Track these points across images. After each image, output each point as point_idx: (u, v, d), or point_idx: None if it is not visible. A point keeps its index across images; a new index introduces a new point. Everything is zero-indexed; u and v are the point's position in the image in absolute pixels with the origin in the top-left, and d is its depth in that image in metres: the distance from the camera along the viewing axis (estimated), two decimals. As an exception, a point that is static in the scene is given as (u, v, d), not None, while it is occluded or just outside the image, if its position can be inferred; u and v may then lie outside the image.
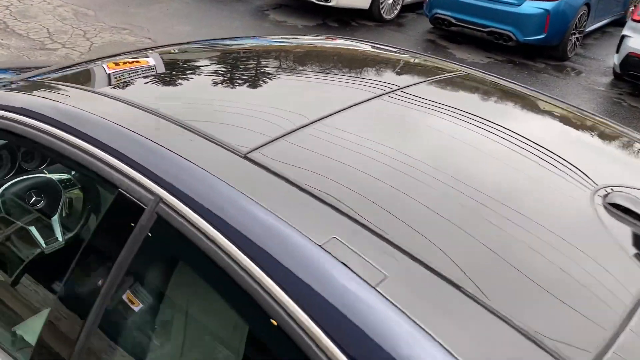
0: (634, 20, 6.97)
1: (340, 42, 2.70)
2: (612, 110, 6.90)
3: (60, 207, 2.41)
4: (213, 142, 1.36)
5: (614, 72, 7.68)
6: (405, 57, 2.37)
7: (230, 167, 1.30)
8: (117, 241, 1.29)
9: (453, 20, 8.18)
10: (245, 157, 1.33)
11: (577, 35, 8.34)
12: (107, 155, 1.34)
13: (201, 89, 1.76)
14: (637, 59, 6.89)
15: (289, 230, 1.14)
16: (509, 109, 1.94)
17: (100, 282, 1.28)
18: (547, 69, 8.03)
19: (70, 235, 2.46)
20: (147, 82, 1.82)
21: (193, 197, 1.23)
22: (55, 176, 2.43)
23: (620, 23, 10.40)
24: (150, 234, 1.25)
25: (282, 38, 2.77)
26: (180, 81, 1.85)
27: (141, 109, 1.48)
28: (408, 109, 1.68)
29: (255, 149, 1.36)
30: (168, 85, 1.81)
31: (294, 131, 1.45)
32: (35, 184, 2.35)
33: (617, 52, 7.23)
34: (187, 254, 1.30)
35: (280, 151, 1.38)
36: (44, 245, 2.36)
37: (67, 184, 2.46)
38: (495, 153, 1.53)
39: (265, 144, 1.39)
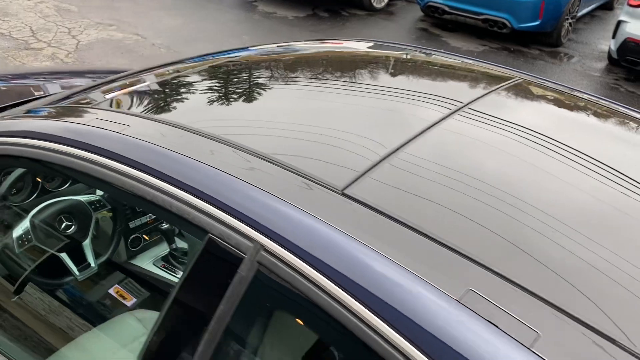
0: (631, 6, 6.93)
1: (349, 44, 2.58)
2: (610, 96, 6.89)
3: (91, 230, 2.27)
4: (307, 179, 1.24)
5: (609, 58, 7.67)
6: (451, 61, 2.26)
7: (331, 206, 1.18)
8: (213, 293, 1.16)
9: (447, 9, 8.08)
10: (343, 194, 1.21)
11: (570, 21, 8.31)
12: (195, 198, 1.21)
13: (267, 113, 1.62)
14: (635, 44, 6.88)
15: (416, 281, 1.03)
16: (590, 123, 1.84)
17: (196, 342, 1.16)
18: (542, 55, 7.99)
19: (102, 259, 2.33)
20: (210, 108, 1.67)
21: (298, 243, 1.11)
22: (84, 198, 2.29)
23: (607, 7, 10.44)
24: (252, 285, 1.13)
25: (304, 44, 2.62)
26: (243, 105, 1.70)
27: (222, 143, 1.34)
28: (489, 131, 1.56)
29: (351, 184, 1.24)
30: (234, 111, 1.66)
31: (382, 160, 1.33)
32: (66, 208, 2.20)
33: (614, 37, 7.20)
34: (298, 307, 1.18)
35: (376, 184, 1.27)
36: (77, 273, 2.22)
37: (97, 205, 2.32)
38: (609, 182, 1.43)
39: (359, 177, 1.27)
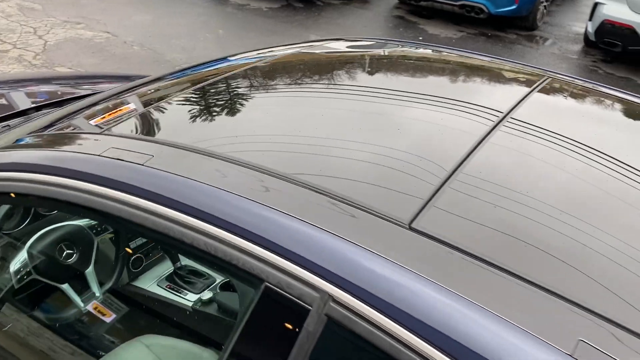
0: (607, -13, 6.92)
1: (352, 44, 2.43)
2: (590, 78, 6.87)
3: (93, 257, 2.10)
4: (369, 212, 1.10)
5: (585, 40, 7.68)
6: (471, 61, 2.14)
7: (401, 244, 1.05)
8: (275, 353, 1.03)
9: (423, -5, 7.97)
10: (411, 228, 1.08)
11: (544, 4, 8.29)
12: (246, 241, 1.06)
13: (300, 132, 1.47)
14: (612, 25, 6.88)
15: (519, 334, 0.91)
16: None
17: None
18: (520, 39, 7.96)
19: (107, 287, 2.16)
20: (236, 129, 1.51)
21: (373, 292, 0.98)
22: (83, 222, 2.11)
23: (577, -13, 10.47)
24: (320, 342, 1.00)
25: (308, 45, 2.46)
26: (270, 124, 1.53)
27: (267, 174, 1.19)
28: (542, 145, 1.44)
29: (417, 215, 1.11)
30: (262, 132, 1.48)
31: (442, 185, 1.21)
32: (65, 236, 2.03)
33: (590, 19, 7.19)
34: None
35: (444, 214, 1.14)
36: (81, 304, 2.06)
37: (97, 229, 2.15)
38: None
39: (424, 207, 1.14)
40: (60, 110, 2.01)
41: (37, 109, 2.77)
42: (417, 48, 2.33)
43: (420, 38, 7.60)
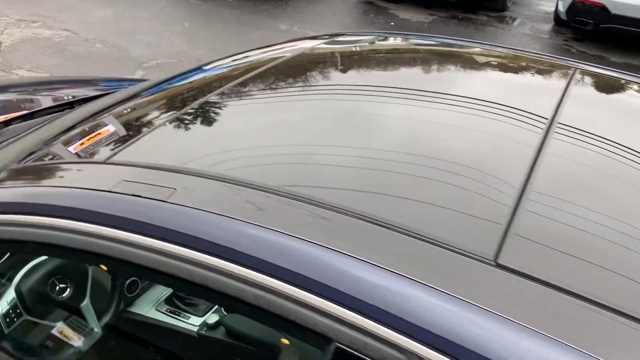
0: (578, -34, 6.89)
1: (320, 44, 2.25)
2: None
3: (88, 289, 1.89)
4: (448, 249, 0.94)
5: (556, 19, 7.66)
6: (490, 53, 1.99)
7: (494, 288, 0.89)
8: None
9: (392, -21, 7.81)
10: (499, 265, 0.92)
11: (513, -16, 8.25)
12: (311, 294, 0.89)
13: (344, 153, 1.28)
14: (582, 4, 6.86)
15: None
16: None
17: None
18: (491, 21, 7.89)
19: (106, 320, 1.95)
20: (268, 152, 1.30)
21: (475, 350, 0.82)
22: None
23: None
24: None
25: (316, 43, 2.26)
26: (309, 143, 1.34)
27: (329, 209, 1.01)
28: (619, 151, 1.31)
29: (501, 247, 0.96)
30: (302, 155, 1.29)
31: (516, 207, 1.05)
32: (57, 268, 1.81)
33: (561, -2, 7.17)
34: None
35: (531, 244, 0.99)
36: (79, 343, 1.85)
37: (90, 257, 1.93)
38: None
39: (506, 236, 0.98)
40: (41, 129, 1.77)
41: (6, 123, 2.48)
42: (419, 41, 2.16)
43: (392, 24, 7.45)
